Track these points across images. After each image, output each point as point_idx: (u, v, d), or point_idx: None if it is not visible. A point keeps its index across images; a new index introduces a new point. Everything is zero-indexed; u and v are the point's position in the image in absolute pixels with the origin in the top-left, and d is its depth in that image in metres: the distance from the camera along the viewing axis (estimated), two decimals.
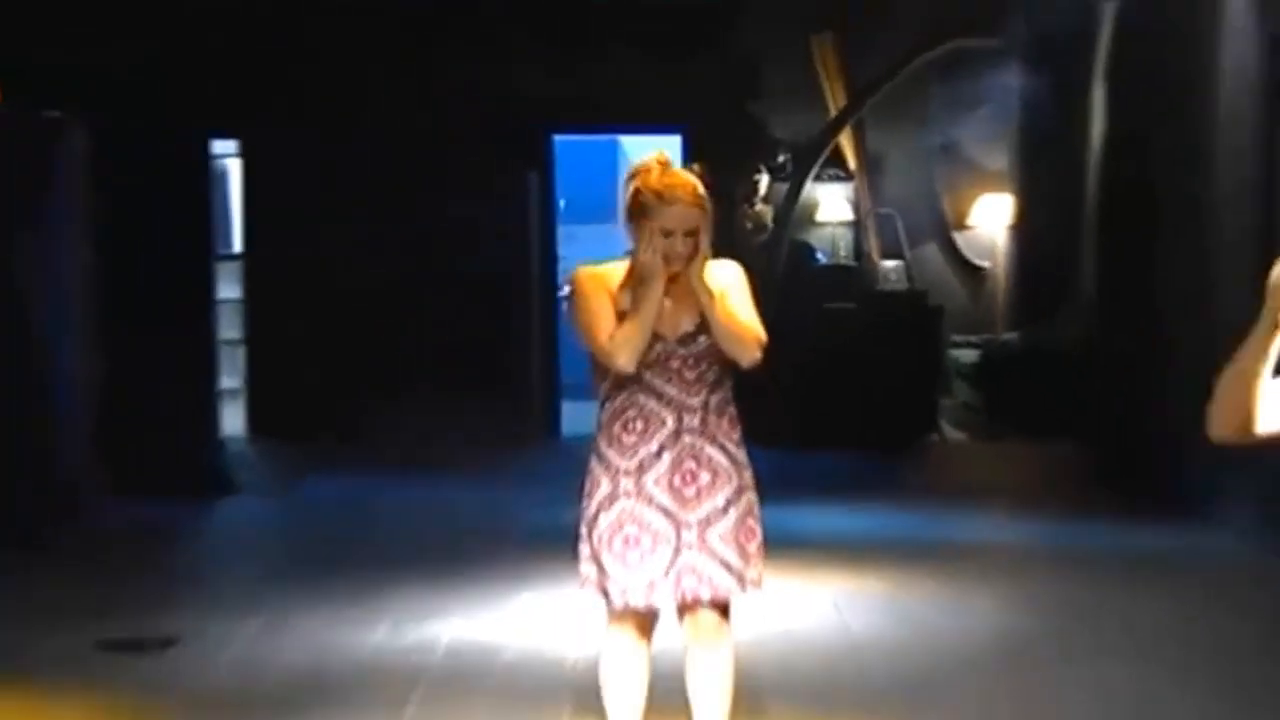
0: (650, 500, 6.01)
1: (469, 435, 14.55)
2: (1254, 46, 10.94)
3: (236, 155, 15.93)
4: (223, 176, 15.91)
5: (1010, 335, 16.53)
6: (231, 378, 15.33)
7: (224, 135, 15.25)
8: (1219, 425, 4.01)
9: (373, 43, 14.62)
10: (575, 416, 15.30)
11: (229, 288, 15.41)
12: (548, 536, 9.82)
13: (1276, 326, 4.03)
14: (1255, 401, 3.90)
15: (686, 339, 6.02)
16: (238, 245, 16.15)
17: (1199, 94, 11.82)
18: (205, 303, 14.13)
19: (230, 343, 15.26)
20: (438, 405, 14.70)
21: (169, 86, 12.69)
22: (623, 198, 6.14)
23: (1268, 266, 10.03)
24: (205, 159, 14.50)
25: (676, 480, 5.99)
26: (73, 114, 11.51)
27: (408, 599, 9.48)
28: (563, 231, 17.48)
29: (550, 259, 16.86)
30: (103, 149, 11.97)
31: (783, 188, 16.98)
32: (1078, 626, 9.14)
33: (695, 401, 6.05)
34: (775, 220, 16.81)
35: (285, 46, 14.42)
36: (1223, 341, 10.95)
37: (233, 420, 15.11)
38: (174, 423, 12.95)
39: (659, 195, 5.97)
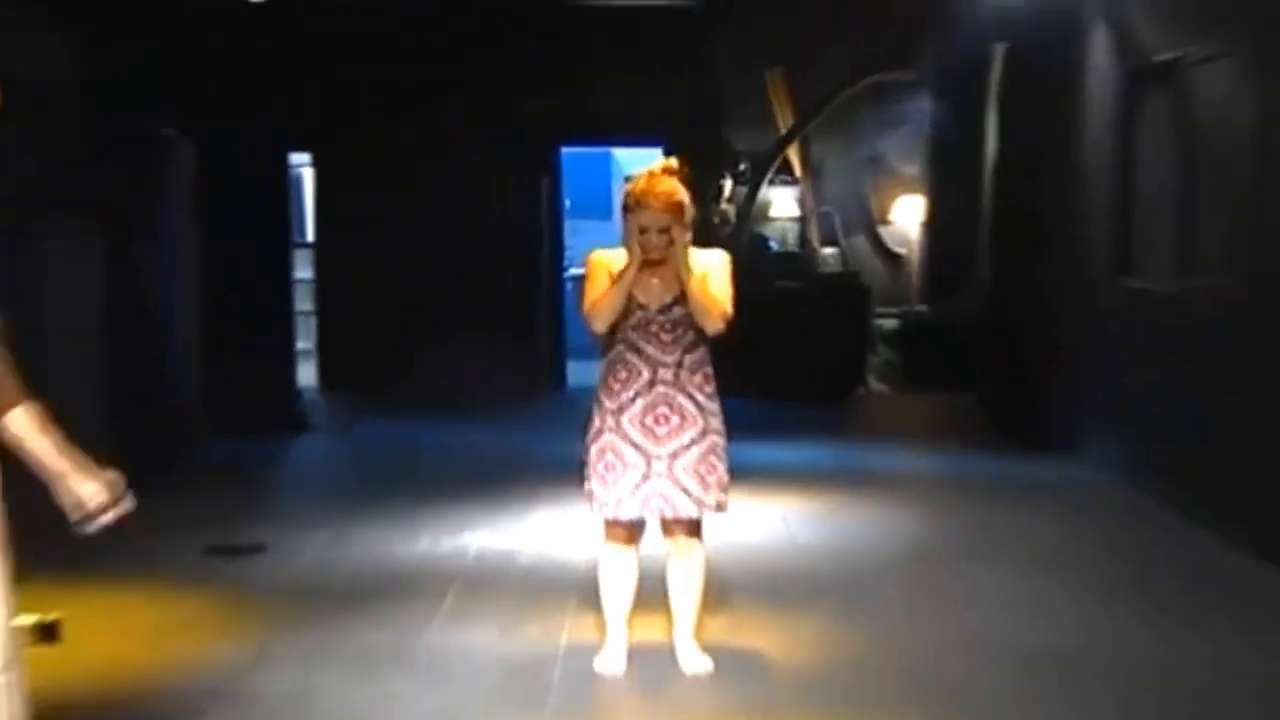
0: (625, 436, 6.16)
1: (492, 387, 14.57)
2: (1112, 81, 10.96)
3: (310, 165, 15.95)
4: (299, 182, 15.94)
5: (922, 308, 16.50)
6: (306, 341, 15.37)
7: (299, 149, 15.30)
8: None
9: (421, 78, 14.62)
10: (578, 372, 15.34)
11: (303, 269, 15.46)
12: (554, 467, 9.91)
13: None
14: None
15: (665, 308, 6.16)
16: (310, 236, 16.18)
17: (1070, 117, 11.85)
18: (285, 281, 14.14)
19: (304, 313, 15.31)
20: (467, 363, 14.71)
21: (258, 110, 12.72)
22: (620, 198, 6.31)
23: (1123, 255, 10.09)
24: (285, 168, 14.51)
25: (649, 420, 6.14)
26: (182, 132, 11.55)
27: (444, 515, 9.56)
28: (568, 225, 17.44)
29: (558, 247, 16.84)
30: (206, 160, 12.02)
31: (743, 190, 16.95)
32: (975, 537, 9.26)
33: (670, 359, 6.18)
34: (737, 216, 16.78)
35: (349, 81, 14.44)
36: (1086, 318, 10.99)
37: (307, 374, 15.15)
38: (261, 376, 12.98)
39: (636, 200, 6.12)
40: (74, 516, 3.97)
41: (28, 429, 3.98)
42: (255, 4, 11.90)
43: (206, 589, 7.82)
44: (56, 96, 8.82)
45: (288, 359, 14.17)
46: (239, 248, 12.66)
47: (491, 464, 11.34)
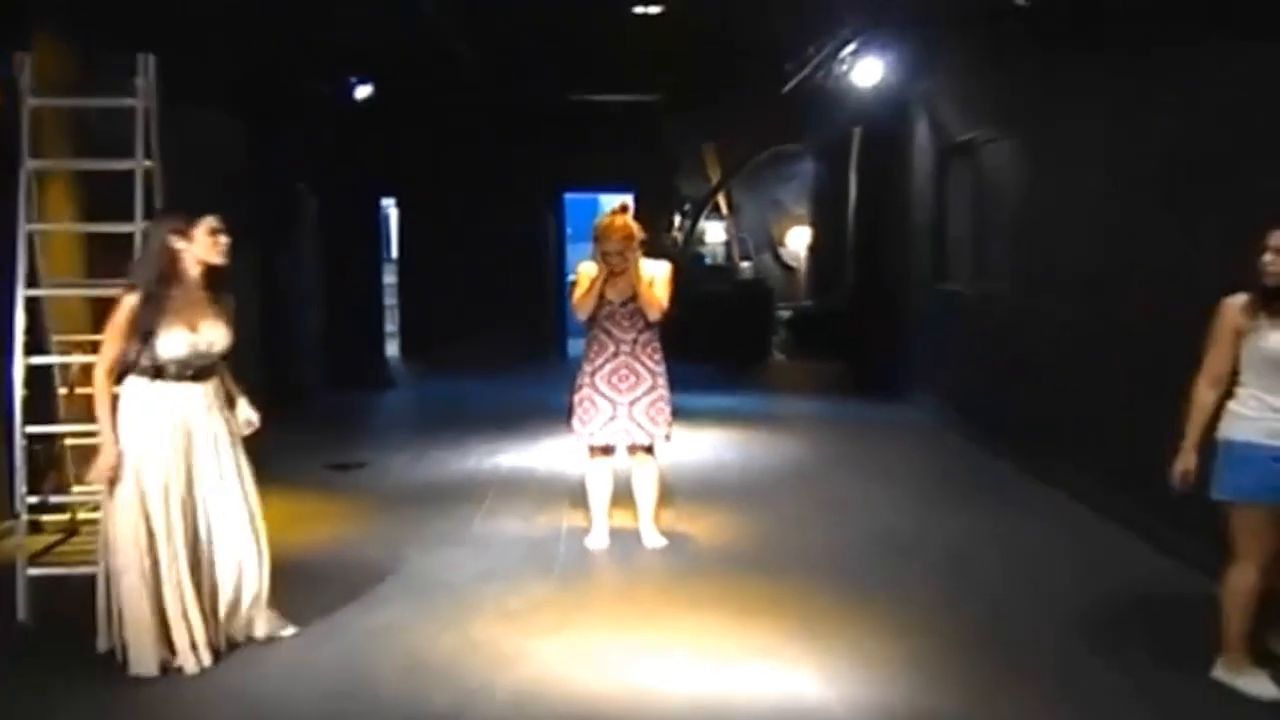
0: (597, 389, 6.30)
1: (517, 356, 14.57)
2: (931, 153, 11.04)
3: (395, 207, 16.02)
4: (387, 218, 16.00)
5: (808, 303, 16.64)
6: (391, 325, 15.44)
7: (388, 195, 15.35)
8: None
9: (471, 148, 14.63)
10: (576, 346, 15.25)
11: (390, 277, 15.52)
12: (559, 411, 9.95)
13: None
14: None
15: (625, 303, 6.29)
16: (395, 254, 16.25)
17: (903, 178, 11.91)
18: (378, 285, 14.13)
19: (390, 307, 15.36)
20: (501, 340, 14.71)
21: (360, 170, 12.78)
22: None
23: (940, 268, 10.17)
24: (378, 208, 14.55)
25: (615, 379, 6.28)
26: (310, 188, 11.64)
27: (484, 443, 9.59)
28: (569, 246, 17.50)
29: (562, 260, 16.85)
30: (326, 206, 12.08)
31: (687, 222, 17.05)
32: (841, 457, 9.35)
33: (628, 338, 6.30)
34: (683, 240, 16.90)
35: (422, 152, 14.45)
36: (915, 311, 11.03)
37: (392, 348, 15.20)
38: (362, 349, 13.04)
39: (601, 234, 6.26)
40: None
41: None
42: (359, 102, 11.98)
43: (326, 492, 7.89)
44: (235, 168, 8.93)
45: (380, 337, 14.16)
46: (347, 262, 12.73)
47: (517, 408, 11.25)
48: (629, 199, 15.51)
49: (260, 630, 4.99)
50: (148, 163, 5.59)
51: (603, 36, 11.01)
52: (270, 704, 4.56)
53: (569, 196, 17.02)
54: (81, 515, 6.33)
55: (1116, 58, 7.05)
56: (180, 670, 4.69)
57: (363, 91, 11.97)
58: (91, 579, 4.87)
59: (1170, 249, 6.41)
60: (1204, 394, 4.53)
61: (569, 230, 17.53)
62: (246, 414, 5.02)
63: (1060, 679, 4.77)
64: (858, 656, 4.93)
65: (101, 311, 4.92)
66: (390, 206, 16.01)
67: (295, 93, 10.60)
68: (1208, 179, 6.07)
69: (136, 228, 5.47)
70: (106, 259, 5.78)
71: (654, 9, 9.79)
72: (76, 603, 5.01)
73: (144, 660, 4.64)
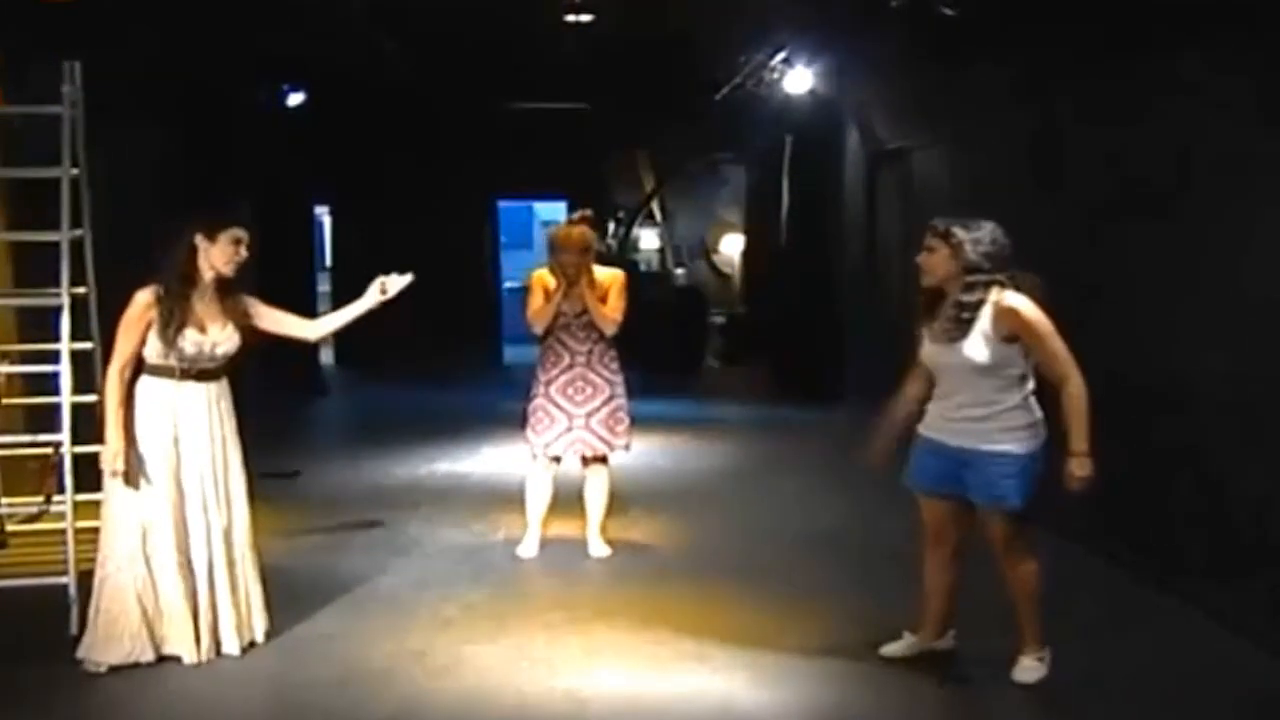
0: (551, 400, 6.25)
1: (452, 363, 14.49)
2: (859, 159, 11.16)
3: (329, 214, 15.89)
4: (321, 225, 15.86)
5: (741, 309, 16.71)
6: None
7: (321, 203, 15.22)
8: None
9: (405, 154, 14.56)
10: (510, 354, 15.36)
11: (324, 285, 15.39)
12: (495, 418, 9.96)
13: None
14: None
15: (579, 315, 6.26)
16: (329, 262, 16.11)
17: (834, 183, 12.00)
18: (312, 293, 14.02)
19: (324, 314, 15.19)
20: (436, 346, 14.62)
21: (294, 178, 12.67)
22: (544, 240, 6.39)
23: (872, 276, 10.18)
24: (312, 216, 14.42)
25: (570, 390, 6.23)
26: (240, 193, 11.48)
27: (421, 448, 9.57)
28: (502, 253, 17.49)
29: (496, 267, 16.83)
30: (258, 212, 11.89)
31: (621, 230, 17.08)
32: (775, 462, 9.42)
33: (583, 349, 6.28)
34: (618, 248, 16.89)
35: (353, 158, 14.35)
36: (848, 315, 11.07)
37: (326, 355, 15.07)
38: (295, 355, 12.83)
39: (558, 244, 6.24)
40: None
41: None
42: (292, 108, 11.86)
43: (261, 501, 7.65)
44: (162, 174, 8.83)
45: (314, 345, 14.00)
46: (280, 270, 12.57)
47: (451, 415, 11.21)
48: (578, 208, 15.60)
49: (244, 636, 4.98)
50: (74, 170, 5.50)
51: (535, 44, 10.99)
52: (205, 713, 4.50)
53: (502, 204, 16.98)
54: (10, 528, 6.21)
55: (1036, 65, 7.15)
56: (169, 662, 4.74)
57: (295, 98, 11.85)
58: (24, 591, 4.80)
59: (1089, 252, 6.49)
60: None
61: (503, 238, 17.51)
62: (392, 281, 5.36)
63: (980, 674, 4.81)
64: (788, 661, 4.96)
65: (28, 322, 4.85)
66: (324, 214, 15.87)
67: (226, 99, 10.48)
68: (1124, 183, 6.18)
69: (63, 236, 5.39)
70: (37, 269, 5.69)
71: (585, 17, 9.79)
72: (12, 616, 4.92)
73: (120, 653, 4.68)
